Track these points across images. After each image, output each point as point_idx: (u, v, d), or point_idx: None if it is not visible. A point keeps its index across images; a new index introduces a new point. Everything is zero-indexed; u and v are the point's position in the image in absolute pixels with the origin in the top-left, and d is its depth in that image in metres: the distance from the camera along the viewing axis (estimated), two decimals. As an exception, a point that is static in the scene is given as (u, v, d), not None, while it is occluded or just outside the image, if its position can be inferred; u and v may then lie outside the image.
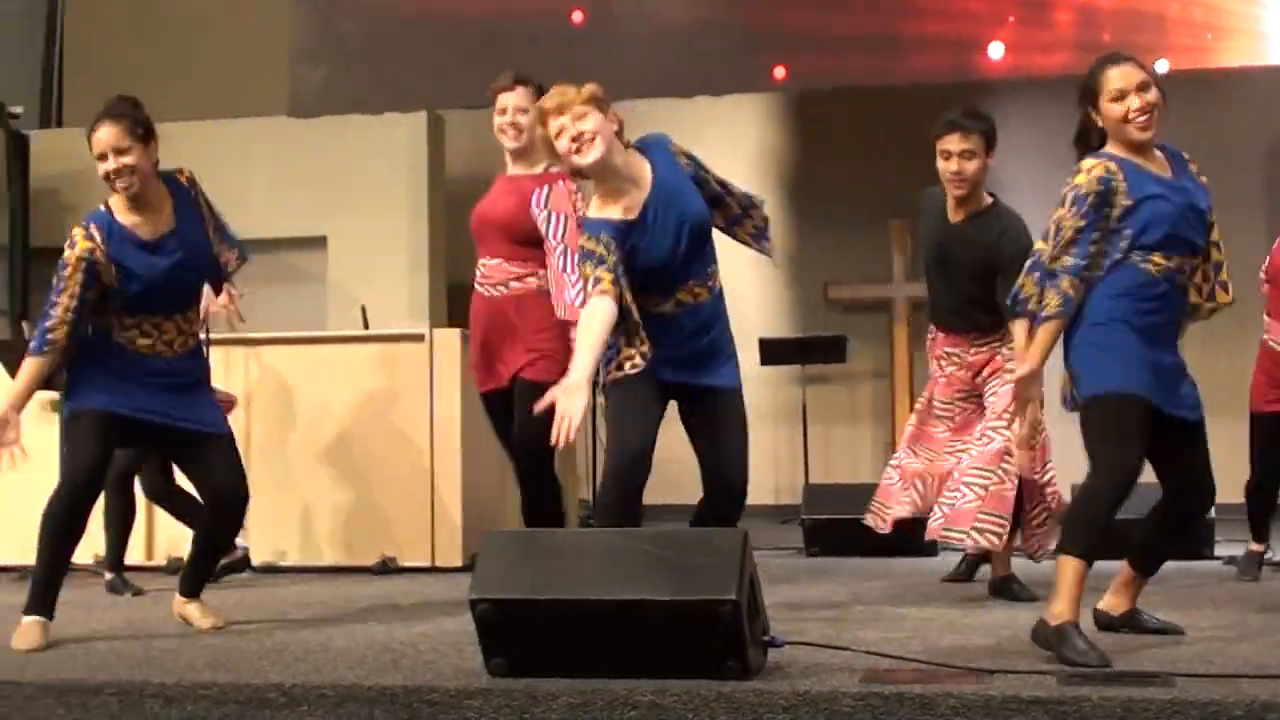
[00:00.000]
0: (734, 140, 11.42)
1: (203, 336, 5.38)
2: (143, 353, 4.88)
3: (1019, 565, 5.61)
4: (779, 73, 10.63)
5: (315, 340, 7.57)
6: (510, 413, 5.52)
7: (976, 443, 5.44)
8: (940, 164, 5.46)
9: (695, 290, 4.68)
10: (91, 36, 13.31)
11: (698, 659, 3.53)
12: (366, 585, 6.52)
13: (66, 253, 4.82)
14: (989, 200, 5.54)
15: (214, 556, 5.34)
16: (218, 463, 4.97)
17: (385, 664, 4.01)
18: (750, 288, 10.84)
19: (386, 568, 7.11)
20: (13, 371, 7.18)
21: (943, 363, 5.69)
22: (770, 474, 11.13)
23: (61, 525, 4.78)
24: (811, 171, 11.62)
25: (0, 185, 11.29)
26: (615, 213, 4.58)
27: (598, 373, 4.54)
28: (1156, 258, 4.24)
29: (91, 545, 6.87)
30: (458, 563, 7.05)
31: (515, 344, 5.53)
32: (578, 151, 4.53)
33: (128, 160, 4.76)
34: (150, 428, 4.91)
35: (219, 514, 5.05)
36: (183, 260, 4.88)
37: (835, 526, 7.49)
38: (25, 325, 8.73)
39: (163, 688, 3.66)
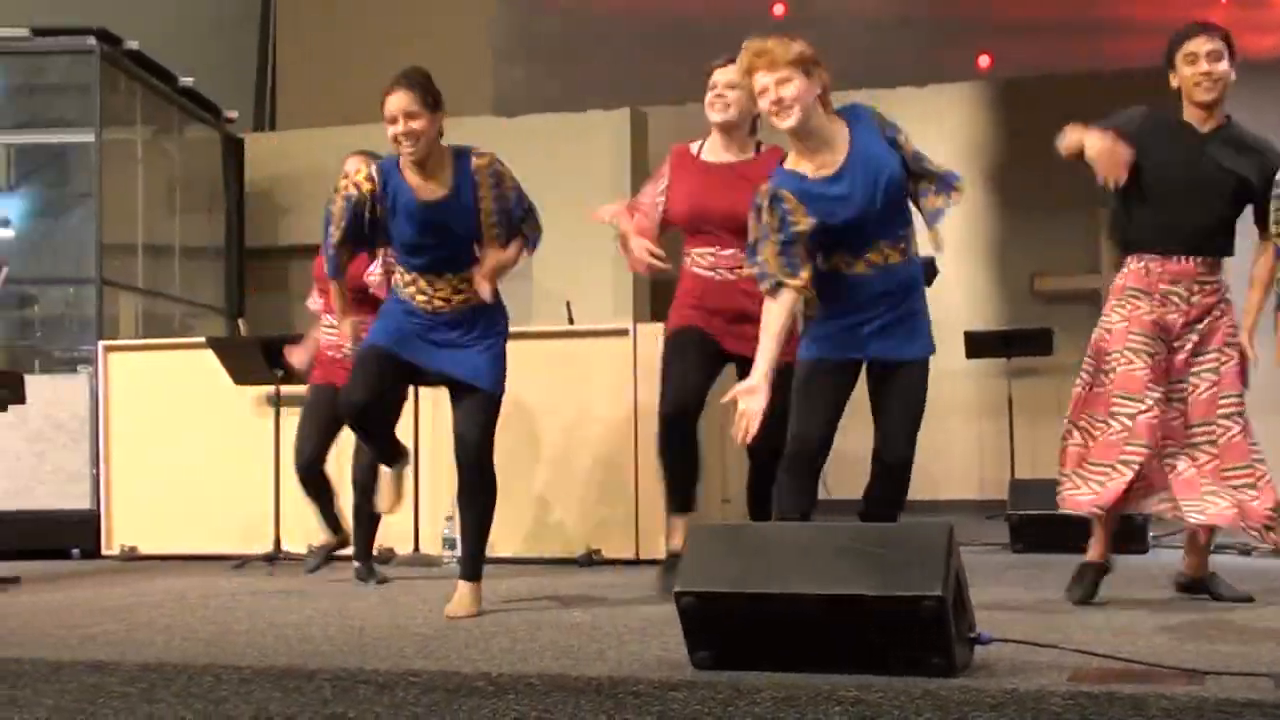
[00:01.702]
0: (937, 131, 11.28)
1: None
2: (422, 308, 5.22)
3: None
4: (983, 61, 10.49)
5: (522, 336, 7.67)
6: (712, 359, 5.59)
7: (1219, 437, 5.08)
8: (1185, 70, 5.14)
9: (886, 252, 4.77)
10: (302, 41, 13.68)
11: (903, 655, 3.51)
12: (572, 577, 6.60)
13: (340, 182, 5.25)
14: (1226, 115, 5.22)
15: (463, 531, 5.43)
16: (463, 416, 5.22)
17: (591, 655, 4.06)
18: (955, 280, 10.71)
19: (591, 560, 7.20)
20: (230, 368, 7.46)
21: (1152, 299, 5.14)
22: (975, 469, 11.00)
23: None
24: (1016, 161, 11.44)
25: (216, 188, 11.63)
26: (808, 169, 4.74)
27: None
28: None
29: (307, 535, 7.10)
30: (662, 556, 7.09)
31: (747, 325, 5.40)
32: (776, 114, 4.70)
33: (415, 125, 5.06)
34: (426, 372, 5.28)
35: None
36: (445, 224, 5.17)
37: (1042, 522, 7.38)
38: (241, 323, 9.02)
39: (374, 674, 3.72)
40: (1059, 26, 10.16)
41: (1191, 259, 5.13)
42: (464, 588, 5.24)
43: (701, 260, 5.62)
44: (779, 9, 10.56)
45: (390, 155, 5.26)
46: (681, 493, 5.68)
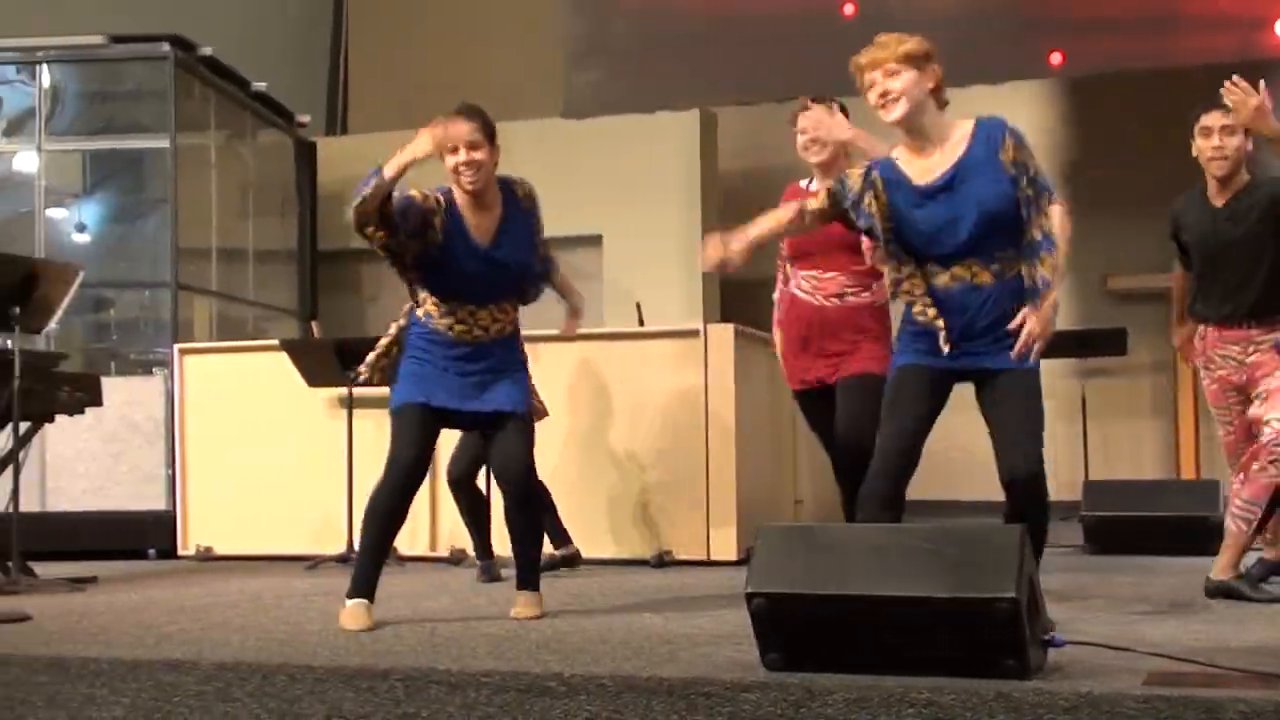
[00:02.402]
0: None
1: None
2: (460, 337, 5.14)
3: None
4: (1055, 58, 10.40)
5: (593, 337, 7.70)
6: (829, 410, 5.64)
7: None
8: (1199, 143, 5.53)
9: (975, 269, 4.61)
10: (374, 46, 13.78)
11: (976, 657, 3.49)
12: (643, 578, 6.60)
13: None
14: (1247, 178, 5.56)
15: (522, 543, 5.32)
16: (504, 441, 5.18)
17: (662, 656, 4.06)
18: (1027, 280, 10.62)
19: (663, 561, 7.20)
20: (303, 370, 7.52)
21: (1211, 365, 5.64)
22: (1049, 469, 10.89)
23: (384, 512, 5.06)
24: (1089, 158, 11.34)
25: (289, 191, 11.72)
26: (911, 172, 4.65)
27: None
28: None
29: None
30: (733, 557, 7.09)
31: (838, 341, 5.64)
32: (882, 107, 4.64)
33: (478, 155, 5.06)
34: (460, 415, 5.22)
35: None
36: (503, 259, 5.16)
37: (1116, 523, 7.32)
38: (315, 325, 9.08)
39: (446, 674, 3.74)
40: (1132, 23, 10.06)
41: (1242, 324, 5.52)
42: (529, 596, 5.22)
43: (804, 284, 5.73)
44: (849, 9, 10.51)
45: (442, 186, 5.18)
46: None
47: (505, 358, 5.25)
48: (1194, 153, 5.59)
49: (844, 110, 5.70)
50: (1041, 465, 4.60)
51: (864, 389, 5.42)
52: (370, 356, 5.32)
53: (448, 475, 6.69)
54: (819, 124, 5.59)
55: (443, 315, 5.15)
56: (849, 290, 5.64)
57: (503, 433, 5.18)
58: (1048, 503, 4.64)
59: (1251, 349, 5.49)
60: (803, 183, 5.90)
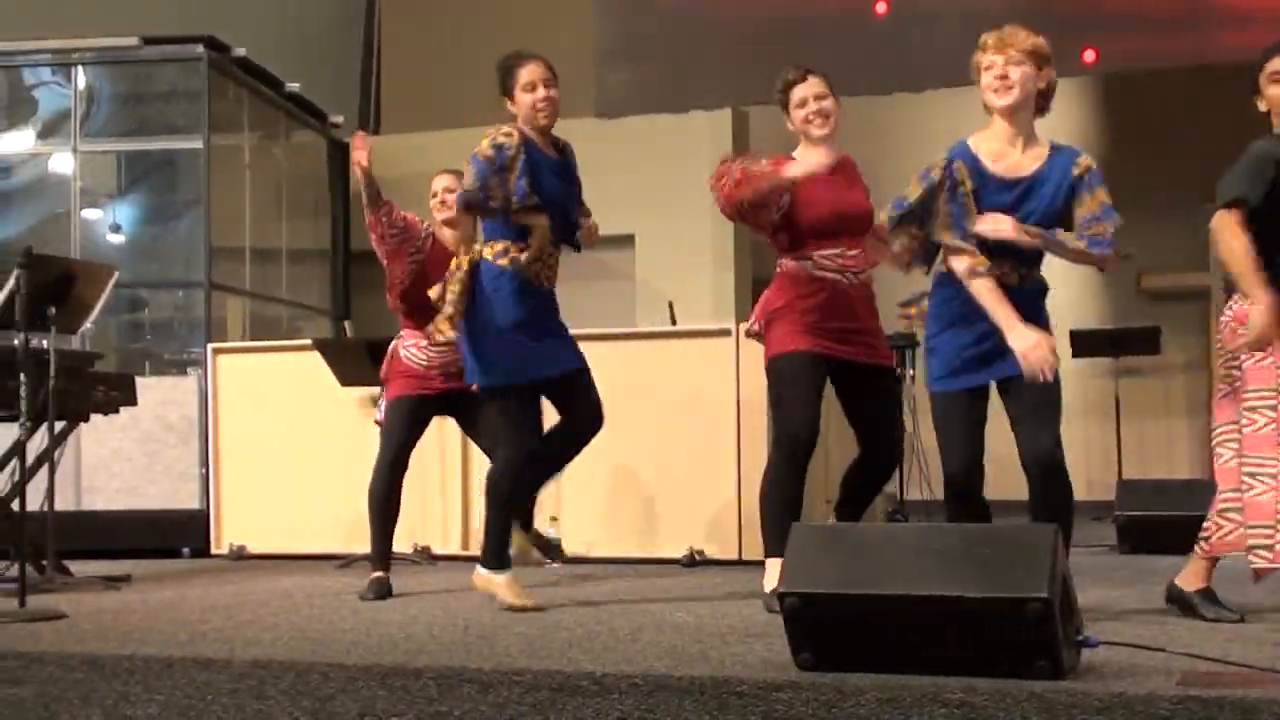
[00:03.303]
0: (1043, 127, 11.13)
1: None
2: (546, 281, 5.45)
3: None
4: (1088, 56, 10.37)
5: (625, 336, 7.70)
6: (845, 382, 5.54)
7: None
8: (1272, 91, 4.87)
9: (1006, 270, 4.74)
10: (406, 46, 13.81)
11: (1008, 657, 3.48)
12: (674, 577, 6.60)
13: (486, 138, 5.36)
14: None
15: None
16: (587, 393, 5.55)
17: (694, 655, 4.06)
18: (1061, 278, 10.53)
19: (694, 561, 7.20)
20: (336, 369, 7.54)
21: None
22: (1082, 469, 10.83)
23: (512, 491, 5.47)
24: (1122, 156, 11.28)
25: (322, 192, 11.77)
26: (989, 161, 4.76)
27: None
28: None
29: (411, 535, 7.14)
30: (764, 557, 7.08)
31: (868, 320, 5.50)
32: (996, 91, 4.74)
33: (554, 93, 5.48)
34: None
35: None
36: (570, 187, 5.57)
37: (1150, 523, 7.29)
38: (347, 325, 9.11)
39: (479, 673, 3.75)
40: (1165, 20, 10.03)
41: None
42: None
43: (827, 262, 5.49)
44: (881, 7, 10.50)
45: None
46: None
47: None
48: (1263, 107, 4.92)
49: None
50: (1061, 448, 4.70)
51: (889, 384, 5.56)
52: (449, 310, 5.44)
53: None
54: (820, 96, 5.49)
55: (532, 261, 5.37)
56: (867, 269, 5.52)
57: (581, 389, 5.55)
58: (1070, 486, 4.73)
59: None
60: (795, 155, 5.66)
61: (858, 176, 5.62)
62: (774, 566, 5.15)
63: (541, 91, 5.43)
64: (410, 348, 6.27)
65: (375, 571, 6.12)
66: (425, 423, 6.34)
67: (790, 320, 5.39)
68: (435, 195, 6.47)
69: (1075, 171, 4.77)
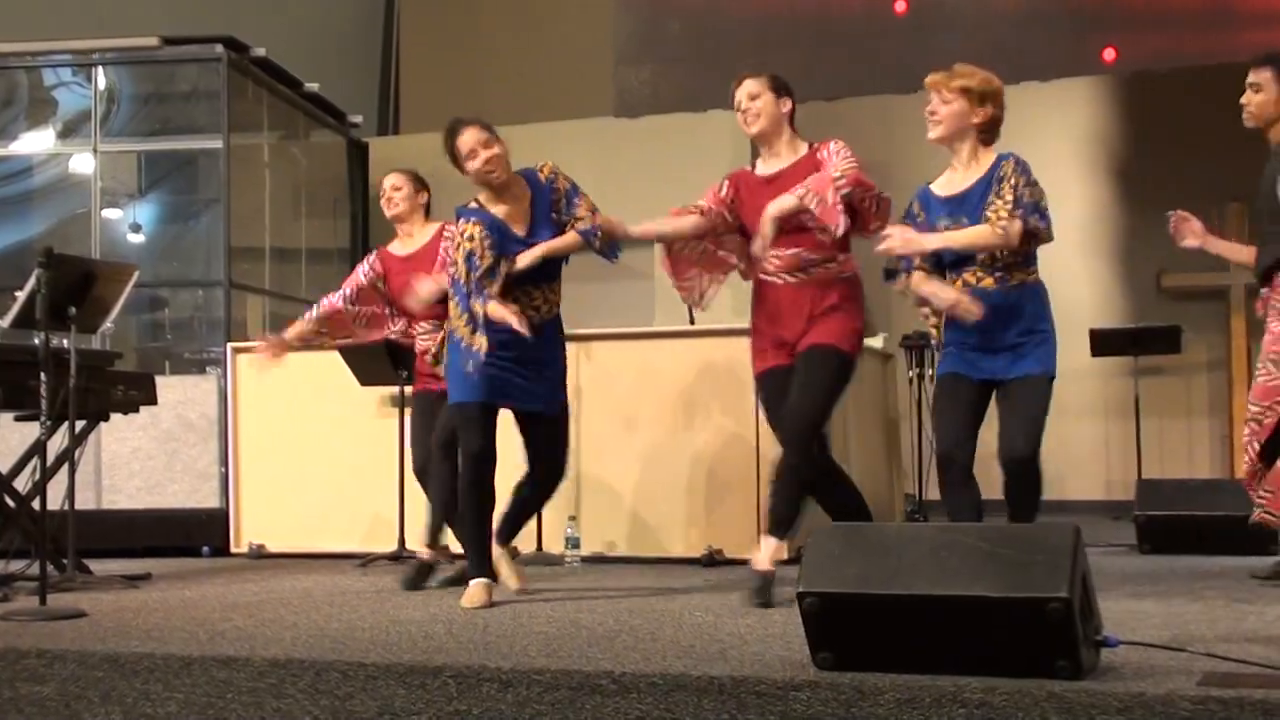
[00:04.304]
0: (1063, 126, 11.17)
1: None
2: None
3: None
4: (1109, 55, 10.33)
5: (644, 336, 7.70)
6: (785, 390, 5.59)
7: None
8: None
9: (980, 275, 5.29)
10: (425, 46, 13.83)
11: (1028, 657, 3.47)
12: (694, 577, 6.60)
13: (459, 241, 5.60)
14: None
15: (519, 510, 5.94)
16: (551, 442, 5.76)
17: (713, 654, 4.06)
18: (1081, 277, 10.58)
19: (713, 560, 7.19)
20: (356, 369, 7.55)
21: None
22: (1102, 468, 10.86)
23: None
24: (1143, 156, 11.27)
25: (341, 191, 11.78)
26: (940, 186, 5.44)
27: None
28: None
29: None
30: (783, 556, 7.07)
31: (801, 319, 5.56)
32: (928, 125, 5.36)
33: (494, 151, 5.61)
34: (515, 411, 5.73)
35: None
36: (546, 237, 5.65)
37: (1170, 523, 7.26)
38: (368, 324, 9.11)
39: (498, 672, 3.75)
40: (1185, 18, 9.99)
41: None
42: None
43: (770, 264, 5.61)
44: (900, 5, 10.48)
45: (465, 206, 5.68)
46: None
47: (549, 349, 5.72)
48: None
49: (788, 91, 5.69)
50: (1037, 449, 5.20)
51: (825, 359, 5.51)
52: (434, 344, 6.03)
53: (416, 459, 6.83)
54: (752, 96, 5.65)
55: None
56: (813, 264, 5.56)
57: (544, 434, 5.76)
58: (1040, 485, 5.27)
59: None
60: (747, 168, 5.86)
61: (807, 171, 5.56)
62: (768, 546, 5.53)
63: (481, 155, 5.59)
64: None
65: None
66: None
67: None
68: (383, 193, 6.83)
69: (999, 172, 5.25)
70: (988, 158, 5.34)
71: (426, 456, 6.66)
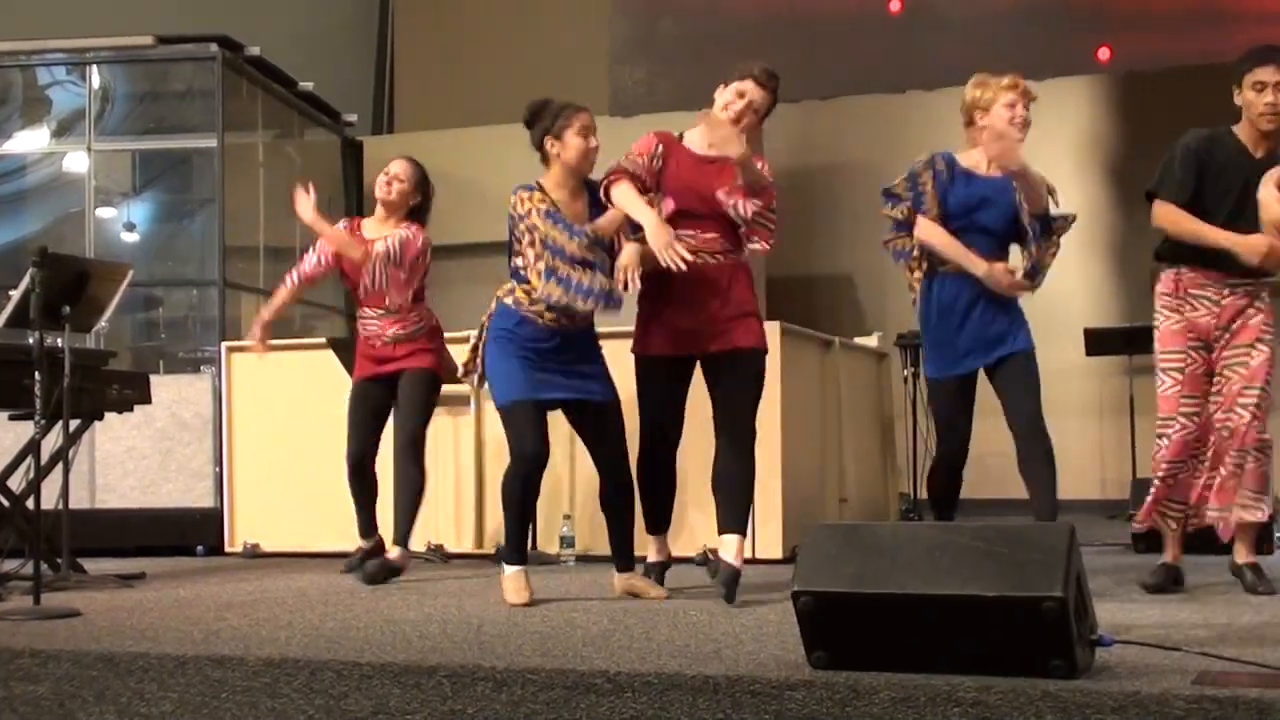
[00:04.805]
0: (1056, 126, 11.15)
1: None
2: (548, 322, 5.58)
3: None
4: (1103, 54, 10.34)
5: (632, 335, 7.68)
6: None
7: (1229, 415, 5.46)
8: (1250, 95, 5.46)
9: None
10: (420, 45, 13.81)
11: (1023, 657, 3.47)
12: (688, 576, 6.59)
13: (528, 206, 5.57)
14: None
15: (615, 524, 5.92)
16: (607, 431, 5.78)
17: (708, 653, 4.06)
18: (1075, 277, 10.57)
19: (708, 559, 7.18)
20: (350, 368, 7.55)
21: (1183, 306, 5.56)
22: (1096, 467, 10.85)
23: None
24: (1137, 155, 11.25)
25: (336, 190, 11.76)
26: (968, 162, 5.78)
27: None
28: None
29: (425, 533, 7.15)
30: (778, 555, 7.08)
31: (725, 306, 5.63)
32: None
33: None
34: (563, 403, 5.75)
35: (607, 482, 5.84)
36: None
37: (1165, 522, 7.25)
38: (361, 323, 9.11)
39: (492, 671, 3.75)
40: (1180, 18, 10.00)
41: (1220, 267, 5.43)
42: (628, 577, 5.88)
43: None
44: (895, 4, 10.49)
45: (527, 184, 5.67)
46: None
47: (590, 340, 5.77)
48: (1238, 101, 5.54)
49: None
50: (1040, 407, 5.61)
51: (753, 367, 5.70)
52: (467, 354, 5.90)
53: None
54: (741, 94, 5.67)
55: (532, 302, 5.55)
56: (730, 250, 5.64)
57: (601, 423, 5.77)
58: (1051, 443, 5.64)
59: (1227, 292, 5.49)
60: (676, 134, 5.87)
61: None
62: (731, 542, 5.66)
63: (592, 142, 5.76)
64: None
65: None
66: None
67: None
68: (386, 172, 6.98)
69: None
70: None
71: (364, 450, 6.87)
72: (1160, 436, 5.56)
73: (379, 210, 6.98)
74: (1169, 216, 5.47)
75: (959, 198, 5.65)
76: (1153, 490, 5.63)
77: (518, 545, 5.68)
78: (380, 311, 6.80)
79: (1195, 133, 5.55)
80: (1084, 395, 11.06)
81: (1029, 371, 5.64)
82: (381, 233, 6.85)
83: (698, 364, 5.73)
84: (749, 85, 5.65)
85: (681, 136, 5.82)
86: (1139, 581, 5.71)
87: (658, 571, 5.92)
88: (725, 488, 5.67)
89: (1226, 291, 5.47)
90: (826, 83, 10.35)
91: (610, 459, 5.78)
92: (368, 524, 7.07)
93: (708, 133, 5.47)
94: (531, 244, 5.52)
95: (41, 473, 5.95)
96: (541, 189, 5.61)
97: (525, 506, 5.74)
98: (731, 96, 5.66)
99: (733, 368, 5.62)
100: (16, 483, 6.54)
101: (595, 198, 5.69)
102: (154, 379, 7.58)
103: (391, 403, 6.91)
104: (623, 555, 5.84)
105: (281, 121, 10.89)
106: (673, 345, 5.70)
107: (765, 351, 5.73)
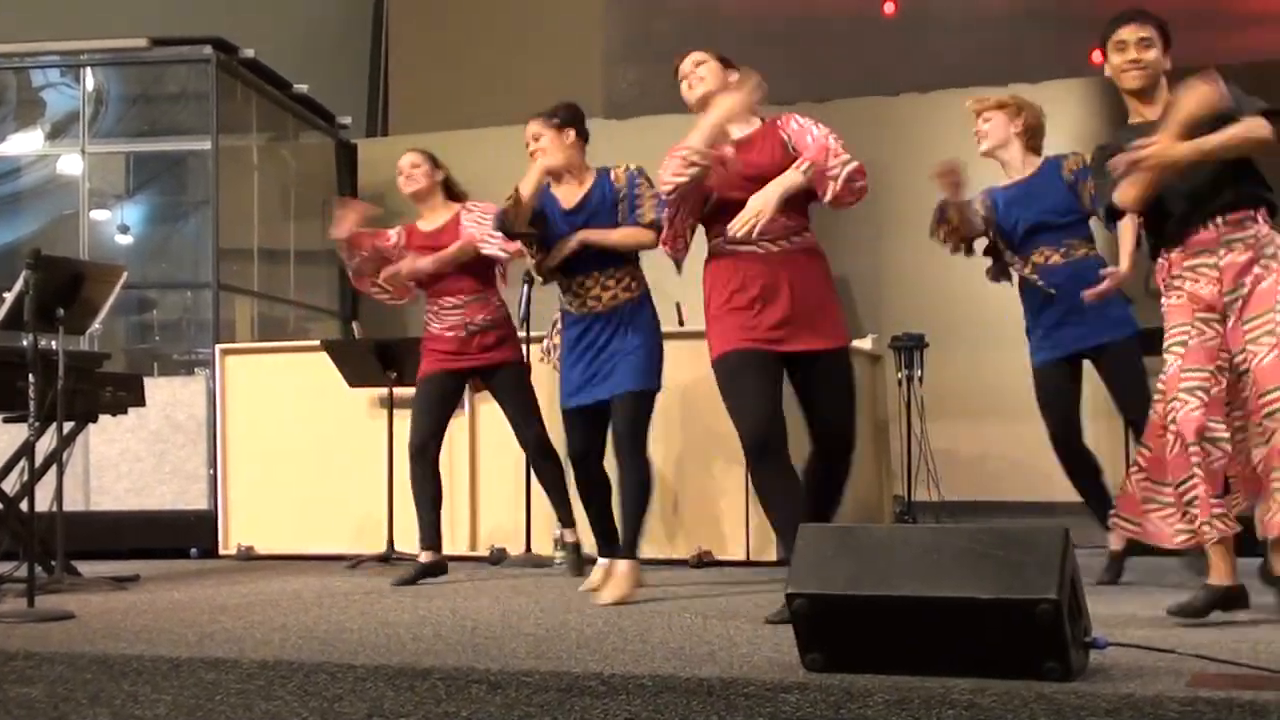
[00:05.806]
0: (1052, 128, 11.11)
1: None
2: (576, 311, 5.84)
3: None
4: (1097, 57, 10.34)
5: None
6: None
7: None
8: (1115, 60, 5.29)
9: (1047, 253, 6.26)
10: (414, 47, 13.80)
11: (1017, 659, 3.47)
12: (683, 578, 6.60)
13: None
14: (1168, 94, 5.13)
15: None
16: (617, 425, 5.79)
17: (702, 656, 4.05)
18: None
19: (702, 562, 7.19)
20: (344, 370, 7.55)
21: (1181, 282, 4.88)
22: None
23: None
24: (1131, 158, 11.28)
25: (330, 193, 11.74)
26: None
27: None
28: None
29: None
30: (773, 558, 7.08)
31: (810, 296, 5.49)
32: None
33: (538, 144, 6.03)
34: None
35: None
36: (584, 224, 5.93)
37: (1160, 524, 7.25)
38: (356, 326, 9.11)
39: (487, 674, 3.74)
40: (1175, 18, 9.94)
41: (1204, 226, 4.85)
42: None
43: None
44: (889, 7, 10.50)
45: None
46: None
47: (626, 330, 5.89)
48: (1108, 73, 5.37)
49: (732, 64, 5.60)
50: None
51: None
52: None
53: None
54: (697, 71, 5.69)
55: (564, 291, 5.84)
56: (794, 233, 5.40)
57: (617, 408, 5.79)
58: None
59: (1223, 251, 4.81)
60: None
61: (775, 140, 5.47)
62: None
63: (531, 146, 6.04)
64: None
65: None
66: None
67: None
68: (401, 171, 6.91)
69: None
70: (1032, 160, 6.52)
71: (425, 440, 6.61)
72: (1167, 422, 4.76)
73: (420, 211, 6.95)
74: (1121, 236, 5.97)
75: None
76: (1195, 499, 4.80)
77: (603, 534, 6.02)
78: (462, 300, 6.70)
79: (1099, 145, 5.32)
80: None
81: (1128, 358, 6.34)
82: (436, 224, 6.79)
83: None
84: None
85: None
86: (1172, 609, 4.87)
87: None
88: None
89: (1224, 251, 4.78)
90: (821, 85, 10.35)
91: (622, 463, 5.81)
92: (429, 531, 6.58)
93: (712, 115, 5.27)
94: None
95: (35, 475, 5.96)
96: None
97: (591, 499, 5.97)
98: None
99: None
100: (11, 485, 6.53)
101: (599, 184, 6.19)
102: (148, 381, 7.57)
103: (462, 395, 6.87)
104: (623, 538, 5.84)
105: (276, 124, 10.89)
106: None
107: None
